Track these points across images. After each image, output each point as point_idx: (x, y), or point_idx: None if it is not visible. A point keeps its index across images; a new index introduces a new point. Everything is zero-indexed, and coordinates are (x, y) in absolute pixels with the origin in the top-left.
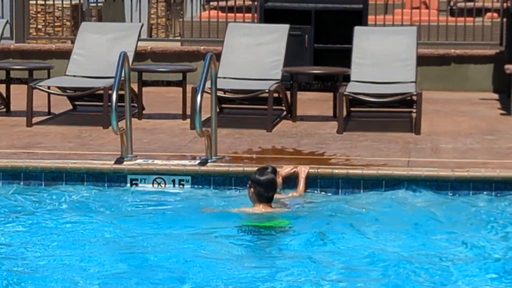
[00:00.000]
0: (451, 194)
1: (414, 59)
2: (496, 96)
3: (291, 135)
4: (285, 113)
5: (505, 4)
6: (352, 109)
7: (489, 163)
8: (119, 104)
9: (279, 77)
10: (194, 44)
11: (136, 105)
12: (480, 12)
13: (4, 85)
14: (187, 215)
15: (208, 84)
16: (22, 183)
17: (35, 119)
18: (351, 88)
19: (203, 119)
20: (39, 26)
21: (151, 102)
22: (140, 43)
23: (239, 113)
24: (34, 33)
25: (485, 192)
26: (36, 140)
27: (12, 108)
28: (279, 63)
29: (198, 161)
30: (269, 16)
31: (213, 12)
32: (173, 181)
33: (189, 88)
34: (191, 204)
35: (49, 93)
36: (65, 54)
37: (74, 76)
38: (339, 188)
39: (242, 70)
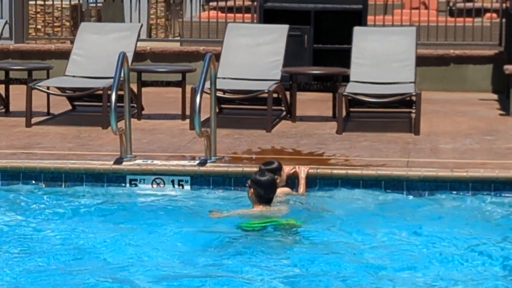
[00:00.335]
0: (450, 194)
1: (414, 60)
2: (495, 96)
3: (290, 135)
4: (284, 113)
5: (504, 5)
6: (352, 109)
7: (488, 164)
8: (118, 104)
9: (278, 77)
10: (193, 44)
11: (135, 105)
12: (479, 12)
13: (3, 86)
14: (187, 216)
15: (207, 85)
16: (21, 183)
17: (34, 120)
18: (350, 88)
19: (202, 119)
20: (39, 27)
21: (150, 102)
22: (139, 44)
23: (238, 113)
24: (34, 34)
25: (484, 193)
26: (35, 141)
27: (11, 108)
28: (278, 64)
29: (197, 162)
30: (269, 16)
31: (213, 13)
32: (172, 182)
33: (188, 88)
34: (191, 204)
35: (48, 94)
36: (65, 55)
37: (74, 76)
38: (339, 189)
39: (241, 70)
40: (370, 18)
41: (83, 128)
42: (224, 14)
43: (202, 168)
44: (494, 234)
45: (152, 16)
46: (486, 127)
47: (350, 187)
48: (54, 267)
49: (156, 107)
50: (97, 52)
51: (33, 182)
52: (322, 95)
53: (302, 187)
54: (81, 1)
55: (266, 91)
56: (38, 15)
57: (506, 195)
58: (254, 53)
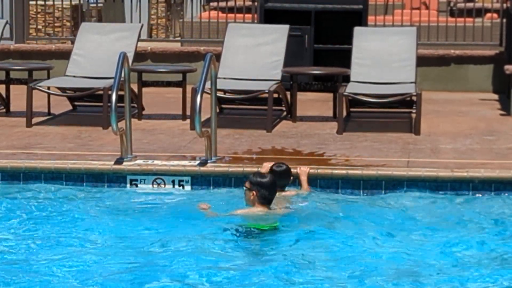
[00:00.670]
0: (450, 194)
1: (414, 60)
2: (496, 96)
3: (291, 135)
4: (285, 113)
5: (504, 5)
6: (352, 109)
7: (489, 164)
8: (118, 104)
9: (279, 77)
10: (194, 44)
11: (135, 105)
12: (480, 12)
13: (4, 86)
14: (187, 216)
15: (208, 85)
16: (21, 183)
17: (34, 120)
18: (351, 88)
19: (203, 119)
20: (39, 27)
21: (151, 102)
22: (140, 44)
23: (239, 113)
24: (34, 34)
25: (484, 193)
26: (36, 141)
27: (12, 108)
28: (279, 64)
29: (198, 162)
30: (269, 16)
31: (213, 13)
32: (173, 182)
33: (189, 88)
34: (191, 204)
35: (48, 94)
36: (65, 55)
37: (74, 76)
38: (339, 189)
39: (242, 70)
40: (370, 18)
41: (84, 128)
42: (224, 14)
43: (202, 168)
44: (495, 234)
45: (152, 16)
46: (486, 127)
47: (350, 187)
48: (54, 267)
49: (156, 107)
50: (97, 52)
51: (33, 182)
52: (322, 95)
53: (305, 187)
54: (81, 1)
55: (267, 91)
56: (39, 15)
57: (507, 195)
58: (255, 53)
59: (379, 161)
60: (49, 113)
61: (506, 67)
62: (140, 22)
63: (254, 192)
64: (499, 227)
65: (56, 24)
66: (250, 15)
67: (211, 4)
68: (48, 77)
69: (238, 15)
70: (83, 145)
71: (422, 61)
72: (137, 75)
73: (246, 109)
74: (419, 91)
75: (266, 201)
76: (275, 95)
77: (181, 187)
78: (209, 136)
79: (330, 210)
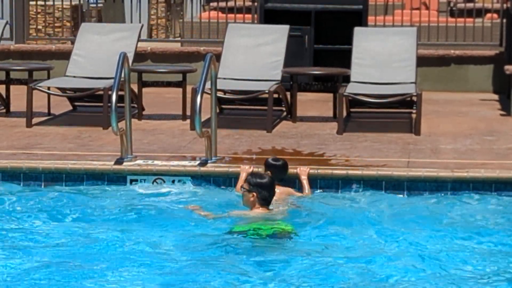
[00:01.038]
0: (450, 194)
1: (414, 60)
2: (496, 97)
3: (291, 135)
4: (285, 113)
5: (505, 5)
6: (352, 109)
7: (489, 164)
8: (119, 104)
9: (279, 77)
10: (194, 44)
11: (136, 105)
12: (480, 13)
13: (4, 86)
14: (187, 216)
15: (208, 85)
16: (21, 184)
17: (35, 120)
18: (351, 88)
19: (203, 119)
20: (39, 27)
21: (151, 102)
22: (140, 44)
23: (239, 113)
24: (34, 34)
25: (484, 193)
26: (36, 141)
27: (12, 109)
28: (279, 64)
29: (198, 162)
30: (269, 16)
31: (213, 13)
32: (173, 182)
33: (189, 88)
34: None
35: (49, 94)
36: (65, 55)
37: (74, 76)
38: (339, 189)
39: (242, 70)
40: (370, 18)
41: (84, 128)
42: (224, 15)
43: (202, 169)
44: (495, 234)
45: (152, 17)
46: (486, 127)
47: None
48: (53, 267)
49: (156, 108)
50: (97, 53)
51: (33, 182)
52: (322, 96)
53: (306, 188)
54: (81, 2)
55: (267, 91)
56: (39, 16)
57: (507, 195)
58: (255, 54)
59: (379, 161)
60: (49, 114)
61: (506, 67)
62: (140, 22)
63: (254, 194)
64: (499, 227)
65: (56, 25)
66: (250, 15)
67: (211, 4)
68: (48, 78)
69: (238, 15)
70: (83, 146)
71: (422, 61)
72: (137, 75)
73: (246, 109)
74: (419, 92)
75: (266, 202)
76: (275, 96)
77: (181, 187)
78: (209, 136)
79: (329, 211)
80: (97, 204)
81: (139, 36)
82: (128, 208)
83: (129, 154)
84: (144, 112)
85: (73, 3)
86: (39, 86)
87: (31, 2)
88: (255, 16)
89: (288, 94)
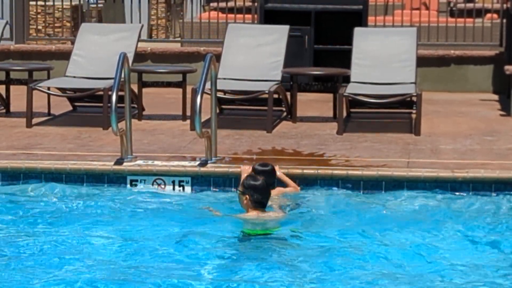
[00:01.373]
0: (450, 194)
1: (414, 60)
2: (496, 97)
3: (291, 136)
4: (285, 114)
5: (505, 5)
6: (352, 110)
7: (489, 164)
8: (119, 105)
9: (279, 78)
10: (194, 45)
11: (136, 106)
12: (480, 13)
13: (4, 86)
14: (187, 217)
15: (208, 85)
16: (21, 184)
17: (34, 120)
18: (351, 89)
19: (203, 120)
20: (39, 27)
21: (151, 103)
22: (140, 44)
23: (239, 114)
24: (34, 34)
25: (484, 193)
26: (36, 141)
27: (12, 109)
28: (279, 64)
29: (198, 162)
30: (269, 17)
31: (213, 13)
32: (173, 182)
33: (189, 89)
34: (191, 205)
35: (49, 94)
36: (65, 55)
37: (74, 77)
38: (339, 189)
39: (242, 71)
40: (370, 18)
41: (84, 128)
42: (224, 15)
43: (202, 169)
44: (495, 234)
45: (152, 17)
46: (486, 127)
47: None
48: (53, 267)
49: (156, 108)
50: (97, 53)
51: (33, 182)
52: (322, 96)
53: (291, 183)
54: (81, 2)
55: (267, 91)
56: (39, 16)
57: (507, 195)
58: (255, 54)
59: (379, 161)
60: (49, 114)
61: (506, 67)
62: (140, 22)
63: (247, 196)
64: (499, 227)
65: (56, 25)
66: (250, 16)
67: (211, 4)
68: (48, 78)
69: (238, 16)
70: (83, 146)
71: (422, 62)
72: (137, 76)
73: (246, 109)
74: (419, 92)
75: (259, 205)
76: (275, 96)
77: (181, 188)
78: (209, 137)
79: (326, 213)
80: (97, 204)
81: (139, 36)
82: (128, 208)
83: (129, 155)
84: (144, 113)
85: (73, 3)
86: (39, 86)
87: (31, 2)
88: (255, 16)
89: (288, 94)
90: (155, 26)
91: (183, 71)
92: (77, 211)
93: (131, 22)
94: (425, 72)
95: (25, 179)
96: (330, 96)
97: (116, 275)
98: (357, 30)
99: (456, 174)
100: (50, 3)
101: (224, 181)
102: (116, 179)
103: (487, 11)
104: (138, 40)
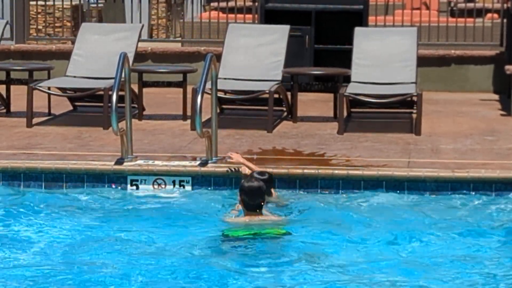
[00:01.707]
0: (451, 194)
1: (415, 60)
2: (496, 97)
3: (291, 136)
4: (285, 114)
5: (505, 5)
6: (353, 110)
7: (489, 164)
8: (119, 105)
9: (279, 78)
10: (194, 45)
11: (136, 106)
12: (480, 13)
13: (4, 86)
14: (187, 217)
15: (208, 85)
16: (22, 184)
17: (35, 120)
18: (351, 89)
19: (203, 120)
20: (39, 27)
21: (151, 103)
22: (140, 44)
23: (239, 114)
24: (34, 34)
25: (485, 193)
26: (36, 141)
27: (12, 109)
28: (279, 64)
29: (198, 162)
30: (270, 17)
31: (214, 13)
32: (174, 182)
33: (189, 89)
34: (191, 205)
35: (49, 94)
36: (65, 55)
37: (74, 77)
38: (339, 189)
39: (242, 71)
40: (371, 18)
41: (84, 128)
42: (225, 15)
43: (203, 169)
44: (496, 235)
45: (153, 17)
46: (487, 127)
47: (351, 188)
48: (53, 267)
49: (157, 108)
50: (98, 53)
51: (34, 182)
52: (323, 96)
53: (253, 166)
54: (82, 2)
55: (267, 91)
56: (39, 16)
57: (507, 195)
58: (255, 54)
59: (379, 161)
60: (49, 114)
61: (507, 67)
62: (140, 22)
63: (239, 197)
64: (499, 227)
65: (56, 25)
66: (250, 16)
67: (212, 4)
68: (49, 78)
69: (239, 16)
70: (83, 146)
71: (422, 62)
72: (138, 76)
73: (247, 109)
74: (420, 92)
75: (248, 207)
76: (276, 96)
77: (181, 188)
78: (210, 137)
79: (322, 215)
80: (97, 204)
81: (140, 36)
82: (128, 208)
83: (130, 154)
84: (144, 112)
85: (73, 3)
86: (40, 86)
87: (31, 2)
88: (256, 16)
89: (288, 94)
90: (155, 26)
91: (184, 71)
92: (77, 211)
93: (132, 22)
94: (425, 72)
95: (26, 179)
96: (330, 96)
97: (116, 275)
98: (358, 30)
99: (457, 174)
100: (51, 2)
101: (225, 181)
102: (116, 179)
103: (488, 11)
104: (139, 40)
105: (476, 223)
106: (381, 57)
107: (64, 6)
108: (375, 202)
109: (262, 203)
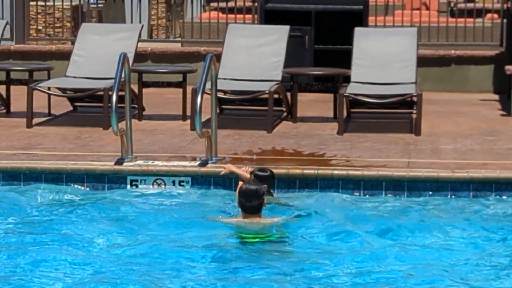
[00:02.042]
0: (451, 195)
1: (415, 60)
2: (496, 97)
3: (291, 136)
4: (285, 114)
5: (505, 5)
6: (352, 110)
7: (489, 164)
8: (119, 105)
9: (279, 78)
10: (194, 45)
11: (136, 106)
12: (480, 13)
13: (4, 86)
14: (187, 217)
15: (208, 85)
16: (22, 184)
17: (35, 120)
18: (351, 89)
19: (203, 120)
20: (39, 27)
21: (151, 103)
22: (140, 44)
23: (239, 114)
24: (34, 34)
25: (485, 193)
26: (36, 141)
27: (12, 109)
28: (279, 64)
29: (198, 162)
30: (270, 17)
31: (213, 13)
32: (173, 182)
33: (189, 89)
34: (191, 205)
35: (49, 94)
36: (65, 55)
37: (74, 77)
38: (339, 189)
39: (242, 71)
40: (371, 19)
41: (84, 128)
42: (225, 15)
43: (203, 169)
44: (496, 235)
45: (153, 17)
46: (487, 127)
47: (350, 188)
48: (53, 268)
49: (157, 108)
50: (98, 53)
51: (34, 183)
52: (323, 96)
53: (242, 174)
54: (82, 2)
55: (267, 91)
56: (39, 16)
57: (507, 195)
58: (255, 54)
59: (379, 161)
60: (49, 114)
61: (507, 67)
62: (140, 22)
63: (237, 200)
64: (500, 227)
65: (56, 25)
66: (250, 16)
67: (211, 4)
68: (49, 78)
69: (239, 16)
70: (83, 146)
71: (422, 62)
72: (138, 76)
73: (247, 109)
74: (420, 92)
75: (243, 208)
76: (276, 96)
77: (181, 188)
78: (210, 137)
79: (320, 219)
80: (97, 205)
81: (140, 36)
82: (128, 208)
83: (130, 155)
84: (144, 113)
85: (73, 3)
86: (40, 87)
87: (31, 3)
88: (256, 16)
89: (288, 94)
90: (155, 26)
91: (184, 71)
92: (77, 211)
93: (131, 22)
94: (425, 72)
95: (26, 179)
96: (330, 96)
97: (116, 275)
98: (358, 30)
99: (457, 174)
100: (51, 3)
101: (224, 181)
102: (116, 179)
103: (488, 11)
104: (139, 40)
105: (476, 223)
106: (381, 57)
107: (64, 7)
108: (375, 202)
109: (261, 206)
